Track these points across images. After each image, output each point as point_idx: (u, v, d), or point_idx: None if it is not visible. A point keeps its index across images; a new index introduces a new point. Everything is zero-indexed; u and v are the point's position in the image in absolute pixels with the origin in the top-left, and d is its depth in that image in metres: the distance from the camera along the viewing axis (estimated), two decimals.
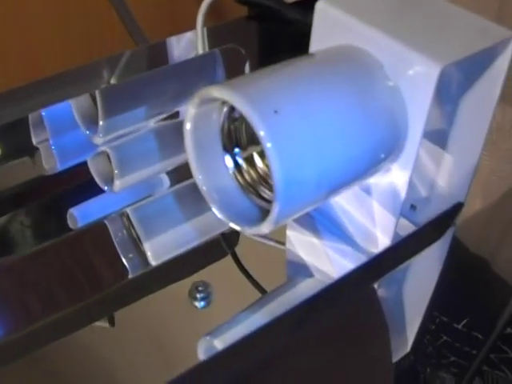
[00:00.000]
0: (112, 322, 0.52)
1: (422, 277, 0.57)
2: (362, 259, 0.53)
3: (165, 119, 0.64)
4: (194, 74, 0.61)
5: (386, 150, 0.45)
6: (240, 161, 0.46)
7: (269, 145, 0.38)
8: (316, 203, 0.44)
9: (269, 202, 0.45)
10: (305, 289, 0.55)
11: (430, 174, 0.55)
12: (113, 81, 0.61)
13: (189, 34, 0.63)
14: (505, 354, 0.53)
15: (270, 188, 0.45)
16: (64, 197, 0.64)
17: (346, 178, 0.44)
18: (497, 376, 0.52)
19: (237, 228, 0.44)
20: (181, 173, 0.60)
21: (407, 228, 0.56)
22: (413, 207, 0.57)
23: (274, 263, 0.58)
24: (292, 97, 0.40)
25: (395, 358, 0.59)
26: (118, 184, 0.59)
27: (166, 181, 0.64)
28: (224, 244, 0.58)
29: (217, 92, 0.40)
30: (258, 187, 0.46)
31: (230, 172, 0.46)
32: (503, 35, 0.46)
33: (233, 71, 0.62)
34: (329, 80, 0.43)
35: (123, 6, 0.66)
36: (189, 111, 0.43)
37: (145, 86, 0.59)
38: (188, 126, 0.43)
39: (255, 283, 0.57)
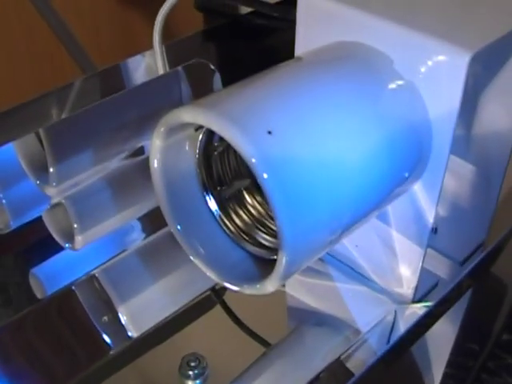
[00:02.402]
0: None
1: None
2: (382, 301, 0.46)
3: (129, 157, 0.56)
4: (157, 98, 0.53)
5: (409, 167, 0.37)
6: (226, 201, 0.38)
7: (265, 175, 0.29)
8: (331, 245, 0.35)
9: (269, 249, 0.36)
10: (315, 341, 0.46)
11: (451, 188, 0.48)
12: (64, 115, 0.53)
13: (145, 55, 0.55)
14: (503, 361, 0.50)
15: (269, 232, 0.37)
16: (25, 257, 0.55)
17: (366, 209, 0.36)
18: (497, 382, 0.49)
19: (233, 288, 0.35)
20: (156, 217, 0.50)
21: (430, 255, 0.48)
22: (433, 230, 0.49)
23: (272, 307, 0.49)
24: (287, 111, 0.32)
25: None
26: (79, 240, 0.50)
27: (139, 229, 0.55)
28: (212, 295, 0.50)
29: (188, 115, 0.31)
30: (252, 232, 0.38)
31: (216, 216, 0.38)
32: None
33: (203, 91, 0.54)
34: (329, 86, 0.35)
35: (66, 32, 0.58)
36: (154, 144, 0.34)
37: (99, 119, 0.50)
38: (155, 163, 0.35)
39: (255, 335, 0.49)
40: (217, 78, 0.54)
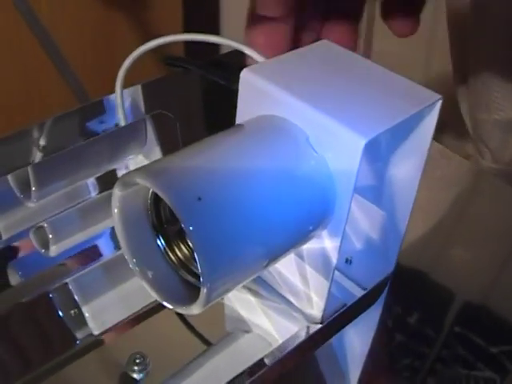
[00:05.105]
0: None
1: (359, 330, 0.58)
2: (297, 319, 0.54)
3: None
4: (126, 139, 0.62)
5: (313, 223, 0.45)
6: (171, 237, 0.46)
7: (191, 228, 0.38)
8: (247, 279, 0.44)
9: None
10: (244, 345, 0.55)
11: (364, 228, 0.56)
12: (42, 143, 0.62)
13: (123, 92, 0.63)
14: (456, 351, 0.53)
15: None
16: None
17: (275, 254, 0.44)
18: (451, 373, 0.52)
19: (169, 307, 0.44)
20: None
21: (344, 282, 0.57)
22: (348, 261, 0.58)
23: (215, 314, 0.57)
24: (216, 181, 0.40)
25: None
26: (53, 249, 0.60)
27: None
28: None
29: (139, 179, 0.40)
30: (190, 264, 0.46)
31: (162, 249, 0.46)
32: (431, 98, 0.48)
33: (164, 135, 0.63)
34: (253, 157, 0.43)
35: (63, 63, 0.66)
36: (115, 194, 0.43)
37: (77, 157, 0.60)
38: (115, 209, 0.43)
39: (198, 335, 0.56)
40: (175, 127, 0.63)
